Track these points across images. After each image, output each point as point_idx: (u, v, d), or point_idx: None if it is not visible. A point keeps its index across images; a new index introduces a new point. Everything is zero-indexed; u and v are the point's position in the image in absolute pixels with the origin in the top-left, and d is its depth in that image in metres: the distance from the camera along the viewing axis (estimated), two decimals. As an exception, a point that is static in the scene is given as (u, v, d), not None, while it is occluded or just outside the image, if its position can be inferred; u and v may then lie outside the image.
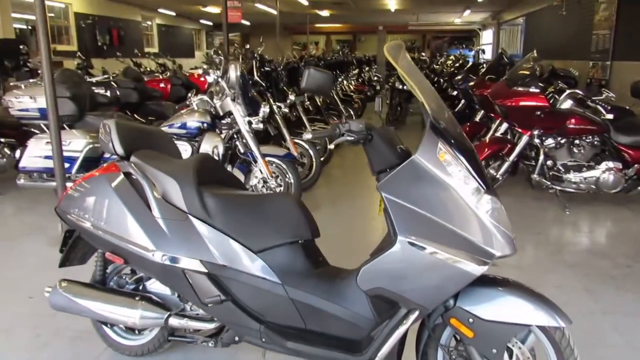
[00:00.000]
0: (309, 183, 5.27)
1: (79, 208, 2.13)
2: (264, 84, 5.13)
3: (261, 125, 4.15)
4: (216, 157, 4.05)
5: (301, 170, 5.23)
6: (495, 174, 4.88)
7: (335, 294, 1.96)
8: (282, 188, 4.34)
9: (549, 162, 4.68)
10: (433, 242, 1.71)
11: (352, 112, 8.80)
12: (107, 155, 4.21)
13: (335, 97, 8.48)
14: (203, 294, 1.98)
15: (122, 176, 2.10)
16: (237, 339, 2.07)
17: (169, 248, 1.97)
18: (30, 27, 14.02)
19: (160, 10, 18.53)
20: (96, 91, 5.10)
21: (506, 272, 3.28)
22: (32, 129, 4.91)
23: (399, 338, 1.77)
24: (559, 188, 4.66)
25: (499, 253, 1.71)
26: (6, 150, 5.01)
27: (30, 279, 3.21)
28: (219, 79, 4.08)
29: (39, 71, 6.15)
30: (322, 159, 5.88)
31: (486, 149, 4.77)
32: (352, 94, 10.30)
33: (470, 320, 1.77)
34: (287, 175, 4.37)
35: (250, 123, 4.11)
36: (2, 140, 5.02)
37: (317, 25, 23.63)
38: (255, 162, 4.14)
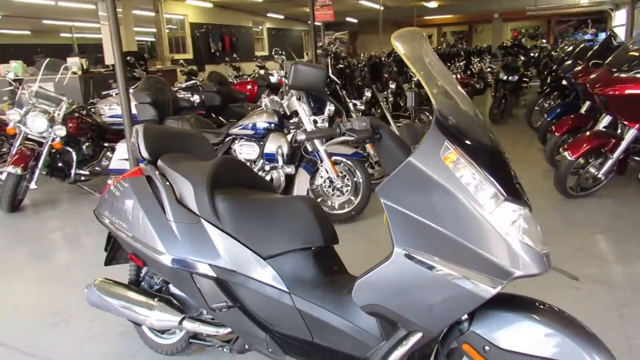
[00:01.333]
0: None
1: (108, 210, 2.21)
2: (339, 82, 5.03)
3: (326, 124, 4.06)
4: (280, 157, 4.05)
5: (379, 169, 5.06)
6: (596, 172, 4.29)
7: (341, 306, 1.81)
8: (349, 188, 4.21)
9: (665, 160, 3.99)
10: (435, 255, 1.49)
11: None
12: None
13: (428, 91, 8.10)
14: (211, 298, 1.95)
15: (143, 179, 2.14)
16: (247, 346, 2.01)
17: (179, 251, 1.96)
18: (154, 39, 15.40)
19: (269, 14, 19.27)
20: (182, 96, 5.39)
21: (589, 287, 2.86)
22: (130, 133, 5.32)
23: None
24: (676, 189, 3.95)
25: (520, 272, 1.44)
26: (109, 154, 5.48)
27: (106, 272, 3.45)
28: (283, 78, 4.06)
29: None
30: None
31: (584, 145, 4.20)
32: (454, 87, 9.77)
33: (486, 347, 1.51)
34: (356, 175, 4.23)
35: (315, 122, 4.04)
36: (106, 144, 5.51)
37: (427, 17, 22.87)
38: (322, 161, 4.06)
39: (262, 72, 6.14)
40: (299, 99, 4.07)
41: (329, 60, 5.11)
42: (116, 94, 5.24)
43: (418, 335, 1.56)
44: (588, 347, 1.43)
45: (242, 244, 1.93)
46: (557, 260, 3.23)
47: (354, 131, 1.69)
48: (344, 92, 4.95)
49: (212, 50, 15.70)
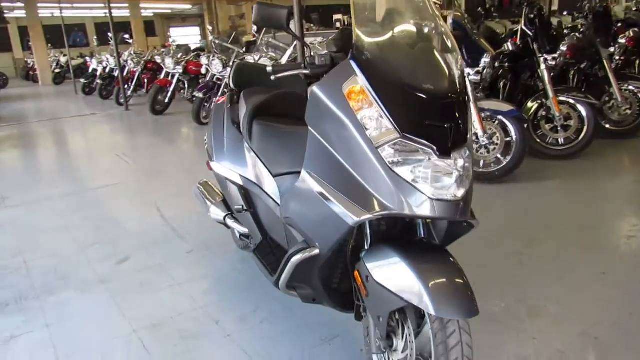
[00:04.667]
0: (572, 151, 4.43)
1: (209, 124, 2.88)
2: (530, 34, 4.52)
3: (478, 77, 3.85)
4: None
5: (564, 134, 4.46)
6: None
7: None
8: (496, 147, 3.94)
9: None
10: (323, 180, 1.62)
11: None
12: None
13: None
14: (234, 202, 2.42)
15: (222, 104, 2.71)
16: (253, 247, 2.43)
17: (222, 160, 2.48)
18: None
19: (565, -37, 17.05)
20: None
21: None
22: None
23: (293, 268, 1.75)
24: None
25: (394, 210, 1.46)
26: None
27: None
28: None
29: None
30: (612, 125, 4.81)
31: None
32: None
33: (368, 278, 1.59)
34: (511, 135, 3.91)
35: (467, 74, 3.88)
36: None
37: None
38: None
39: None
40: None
41: (524, 11, 4.62)
42: (319, 43, 5.95)
43: (315, 251, 1.71)
44: (444, 302, 1.38)
45: (261, 161, 2.32)
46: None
47: (313, 65, 1.86)
48: (535, 46, 4.44)
49: (488, 6, 15.03)
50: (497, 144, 3.94)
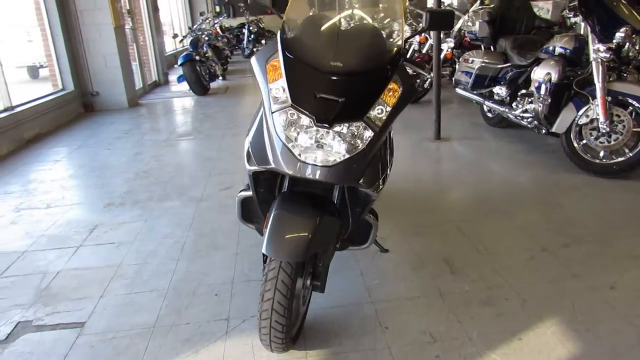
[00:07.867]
0: None
1: None
2: None
3: (609, 55, 3.32)
4: (544, 86, 3.69)
5: None
6: None
7: None
8: (620, 137, 3.38)
9: None
10: (253, 134, 1.98)
11: None
12: (493, 74, 4.62)
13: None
14: None
15: None
16: None
17: None
18: None
19: None
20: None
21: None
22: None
23: (239, 204, 2.17)
24: None
25: (274, 166, 1.78)
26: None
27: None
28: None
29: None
30: None
31: None
32: None
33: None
34: (644, 125, 3.32)
35: (598, 50, 3.39)
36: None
37: None
38: (594, 98, 3.43)
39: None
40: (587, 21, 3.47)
41: None
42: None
43: (249, 192, 2.10)
44: (273, 244, 1.71)
45: None
46: None
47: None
48: None
49: None
50: (621, 133, 3.39)
